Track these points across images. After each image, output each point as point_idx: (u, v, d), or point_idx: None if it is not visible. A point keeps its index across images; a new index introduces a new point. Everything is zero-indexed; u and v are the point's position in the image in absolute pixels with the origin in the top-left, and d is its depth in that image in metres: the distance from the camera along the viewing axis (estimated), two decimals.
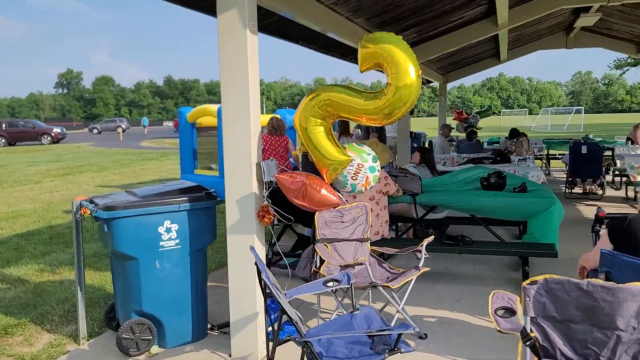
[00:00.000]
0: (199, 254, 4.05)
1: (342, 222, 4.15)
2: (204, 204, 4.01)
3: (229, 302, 3.78)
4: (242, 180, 3.63)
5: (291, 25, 6.06)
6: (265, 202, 3.64)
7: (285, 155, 8.10)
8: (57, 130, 36.41)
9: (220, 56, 3.59)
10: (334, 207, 3.97)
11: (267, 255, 5.80)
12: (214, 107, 10.81)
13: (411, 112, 10.28)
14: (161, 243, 3.86)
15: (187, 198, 3.93)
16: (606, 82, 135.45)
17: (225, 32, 3.55)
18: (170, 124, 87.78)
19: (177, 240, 3.92)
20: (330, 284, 3.13)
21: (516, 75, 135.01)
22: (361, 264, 3.86)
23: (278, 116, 8.39)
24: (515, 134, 11.35)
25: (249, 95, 3.54)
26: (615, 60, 32.40)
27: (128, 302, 3.92)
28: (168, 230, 3.88)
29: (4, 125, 35.55)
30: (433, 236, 4.01)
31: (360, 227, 4.26)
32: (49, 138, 35.48)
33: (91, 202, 4.09)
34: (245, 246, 3.66)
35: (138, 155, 24.12)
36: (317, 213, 3.98)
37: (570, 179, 10.00)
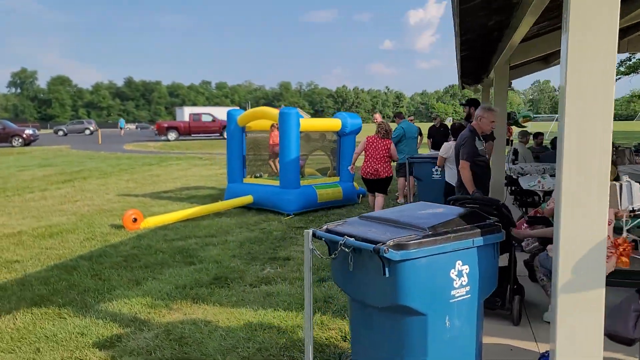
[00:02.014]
0: (481, 305, 3.03)
1: None
2: (495, 237, 3.00)
3: None
4: (587, 204, 2.61)
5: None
6: (624, 236, 2.65)
7: (387, 158, 7.74)
8: (28, 131, 34.15)
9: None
10: None
11: None
12: (272, 110, 9.72)
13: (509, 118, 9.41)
14: (452, 292, 2.83)
15: (479, 230, 2.91)
16: None
17: None
18: (133, 126, 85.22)
19: (468, 288, 2.89)
20: None
21: None
22: None
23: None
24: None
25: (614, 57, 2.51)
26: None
27: None
28: (459, 274, 2.85)
29: None
30: None
31: None
32: (20, 140, 33.29)
33: (328, 231, 3.05)
34: (589, 294, 2.65)
35: (134, 160, 22.53)
36: None
37: None
